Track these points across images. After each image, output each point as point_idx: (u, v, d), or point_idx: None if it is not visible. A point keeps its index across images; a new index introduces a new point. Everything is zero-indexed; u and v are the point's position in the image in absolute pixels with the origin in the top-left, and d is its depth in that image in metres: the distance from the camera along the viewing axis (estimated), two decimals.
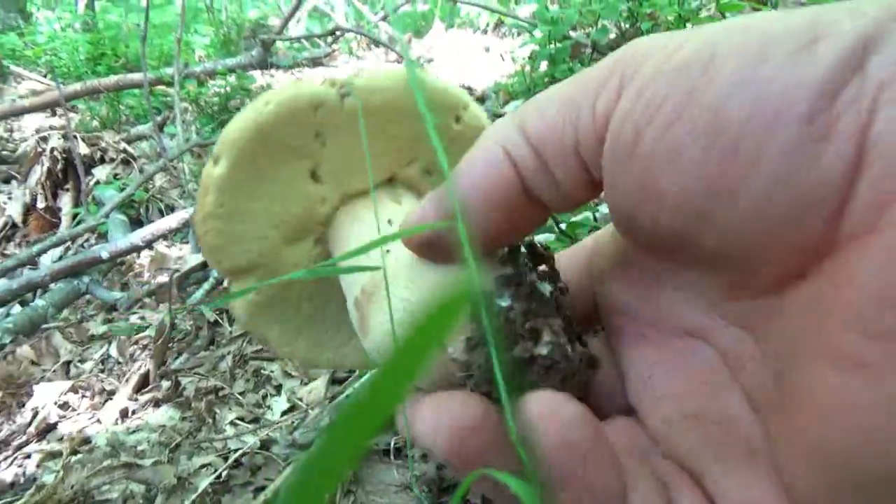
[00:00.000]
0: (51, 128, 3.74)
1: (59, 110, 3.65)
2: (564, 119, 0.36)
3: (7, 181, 3.59)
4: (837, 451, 0.28)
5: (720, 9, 2.19)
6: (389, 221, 0.54)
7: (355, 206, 0.58)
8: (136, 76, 3.51)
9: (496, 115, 3.00)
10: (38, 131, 3.77)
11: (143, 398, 1.48)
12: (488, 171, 0.38)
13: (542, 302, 0.42)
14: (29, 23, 7.45)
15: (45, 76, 4.44)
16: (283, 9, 6.16)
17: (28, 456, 1.39)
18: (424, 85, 0.53)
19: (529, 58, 3.19)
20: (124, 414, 1.44)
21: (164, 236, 2.27)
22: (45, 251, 2.19)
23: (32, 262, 2.16)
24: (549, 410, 0.35)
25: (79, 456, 1.31)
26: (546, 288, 0.43)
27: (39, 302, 2.05)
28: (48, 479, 1.26)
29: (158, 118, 3.08)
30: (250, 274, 0.62)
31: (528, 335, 0.41)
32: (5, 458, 1.41)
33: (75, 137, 2.81)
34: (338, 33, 3.80)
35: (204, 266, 1.98)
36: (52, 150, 2.81)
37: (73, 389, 1.57)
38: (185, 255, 2.30)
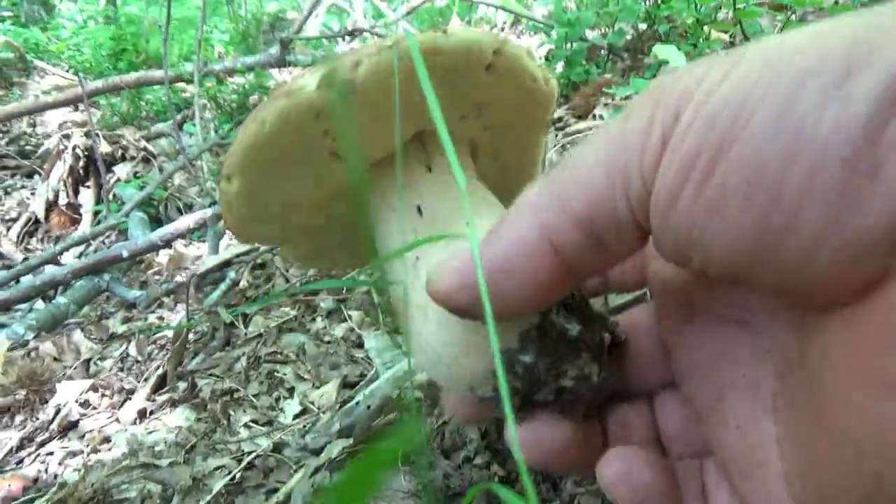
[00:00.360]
0: (72, 123, 3.81)
1: (81, 106, 3.72)
2: (615, 191, 0.34)
3: (30, 175, 3.67)
4: (870, 473, 0.28)
5: (737, 16, 2.19)
6: (419, 209, 0.51)
7: (383, 179, 0.54)
8: (156, 74, 3.56)
9: None
10: (60, 126, 3.84)
11: (160, 399, 1.52)
12: (527, 261, 0.36)
13: (569, 346, 0.43)
14: (51, 15, 7.55)
15: (67, 71, 4.51)
16: (301, 2, 6.19)
17: (50, 453, 1.44)
18: (436, 46, 0.47)
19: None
20: (142, 414, 1.48)
21: (182, 235, 2.31)
22: (67, 249, 2.25)
23: (55, 260, 2.21)
24: (619, 478, 0.41)
25: (99, 455, 1.35)
26: (574, 328, 0.43)
27: (61, 299, 2.11)
28: (69, 476, 1.30)
29: (178, 116, 3.13)
30: (292, 240, 0.64)
31: (553, 379, 0.42)
32: (29, 454, 1.47)
33: (97, 135, 2.87)
34: (355, 33, 3.83)
35: (221, 267, 2.02)
36: (75, 147, 2.87)
37: (94, 388, 1.62)
38: (203, 254, 2.34)
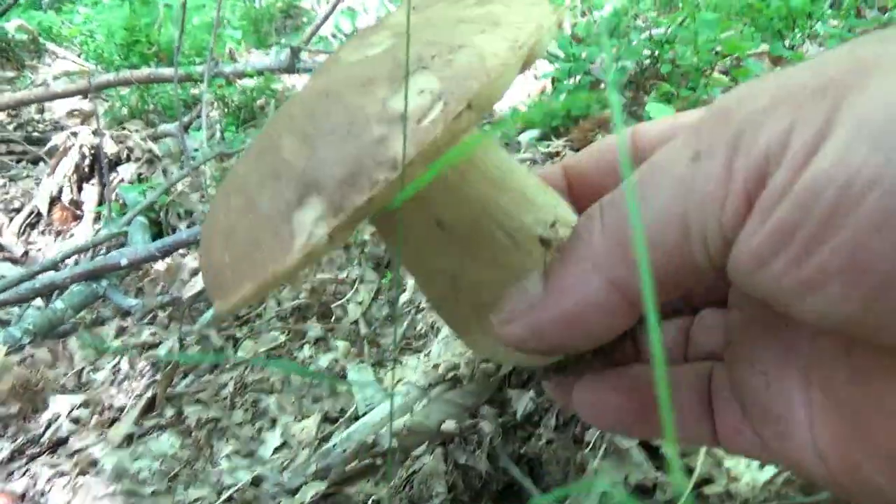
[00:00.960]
0: (80, 112, 3.86)
1: (90, 96, 3.77)
2: (692, 246, 0.32)
3: (35, 162, 3.72)
4: None
5: (732, 74, 2.24)
6: (439, 223, 0.46)
7: None
8: (166, 71, 3.61)
9: (507, 144, 3.07)
10: (69, 114, 3.89)
11: (148, 423, 1.59)
12: (600, 315, 0.36)
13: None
14: None
15: (79, 56, 4.55)
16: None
17: (40, 469, 1.51)
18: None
19: (553, 82, 3.24)
20: (129, 438, 1.55)
21: (180, 247, 2.37)
22: (68, 257, 2.31)
23: (56, 267, 2.28)
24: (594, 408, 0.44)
25: (86, 477, 1.42)
26: None
27: (59, 304, 2.17)
28: (56, 498, 1.38)
29: (185, 118, 3.18)
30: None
31: None
32: (19, 468, 1.54)
33: (104, 135, 2.92)
34: None
35: None
36: (81, 146, 2.93)
37: (85, 404, 1.69)
38: (200, 267, 2.40)
